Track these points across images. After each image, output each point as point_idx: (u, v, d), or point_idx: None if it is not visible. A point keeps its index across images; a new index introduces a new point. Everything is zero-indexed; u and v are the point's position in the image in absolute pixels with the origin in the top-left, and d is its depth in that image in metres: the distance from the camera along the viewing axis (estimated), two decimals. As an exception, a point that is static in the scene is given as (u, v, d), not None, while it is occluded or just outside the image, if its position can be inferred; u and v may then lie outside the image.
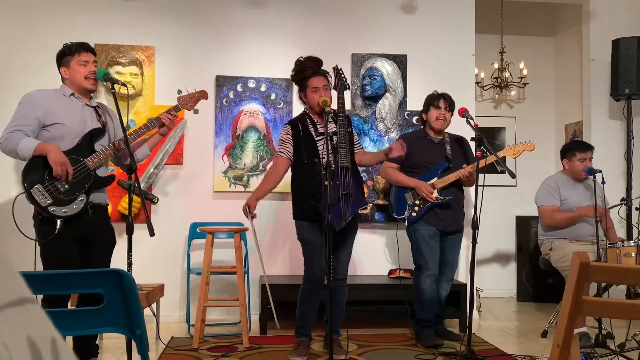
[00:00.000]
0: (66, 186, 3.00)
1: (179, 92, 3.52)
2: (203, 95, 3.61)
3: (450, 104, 4.17)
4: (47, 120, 3.04)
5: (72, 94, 3.15)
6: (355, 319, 4.44)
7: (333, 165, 3.39)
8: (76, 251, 3.06)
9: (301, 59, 3.69)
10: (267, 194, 3.77)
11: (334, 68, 3.73)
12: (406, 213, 4.14)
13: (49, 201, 2.96)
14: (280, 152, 3.68)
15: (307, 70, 3.62)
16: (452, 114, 4.19)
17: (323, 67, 3.69)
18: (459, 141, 4.29)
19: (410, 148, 4.17)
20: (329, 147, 3.36)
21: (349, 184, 3.50)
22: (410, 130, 5.06)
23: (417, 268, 4.17)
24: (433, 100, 4.18)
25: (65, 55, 3.14)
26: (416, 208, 4.12)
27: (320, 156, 3.57)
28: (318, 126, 3.64)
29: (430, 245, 4.09)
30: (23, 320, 0.43)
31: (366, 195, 5.05)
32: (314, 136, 3.62)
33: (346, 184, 3.49)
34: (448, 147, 4.19)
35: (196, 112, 3.58)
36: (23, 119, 3.01)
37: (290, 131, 3.65)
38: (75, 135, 3.08)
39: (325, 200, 3.26)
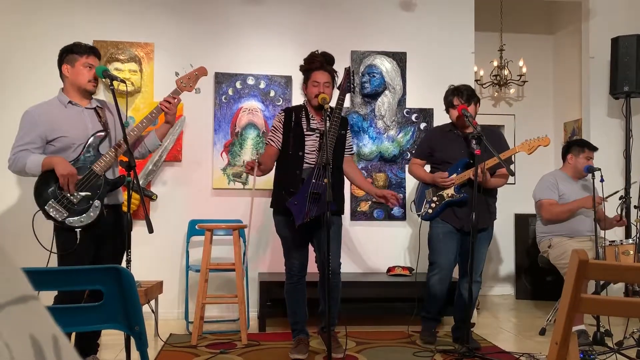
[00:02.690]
0: (78, 196, 3.00)
1: (177, 74, 3.40)
2: (202, 72, 3.45)
3: (467, 98, 3.90)
4: (50, 135, 3.04)
5: (70, 102, 3.12)
6: (354, 316, 4.45)
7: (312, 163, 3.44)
8: (92, 253, 3.09)
9: (316, 52, 3.70)
10: (265, 171, 3.70)
11: (346, 69, 3.72)
12: (423, 209, 4.03)
13: (65, 214, 2.97)
14: (271, 139, 3.67)
15: (314, 62, 3.62)
16: (475, 105, 3.94)
17: (334, 63, 3.70)
18: (488, 133, 3.90)
19: (434, 144, 4.08)
20: (327, 146, 3.36)
21: (323, 185, 3.46)
22: (411, 129, 5.07)
23: (429, 264, 4.08)
24: (449, 98, 3.96)
25: (72, 52, 3.10)
26: (433, 205, 3.98)
27: (306, 151, 3.57)
28: (311, 121, 3.63)
29: (443, 243, 3.94)
30: (25, 318, 0.43)
31: (362, 194, 5.06)
32: (304, 130, 3.61)
33: (319, 185, 3.47)
34: (474, 142, 3.86)
35: (198, 91, 3.46)
36: (26, 137, 3.02)
37: (283, 119, 3.65)
38: (79, 143, 3.08)
39: (323, 197, 3.28)
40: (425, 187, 4.07)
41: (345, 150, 3.75)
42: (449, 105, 3.99)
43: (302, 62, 3.71)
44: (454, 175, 3.91)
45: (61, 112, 3.10)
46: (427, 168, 4.21)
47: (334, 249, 3.61)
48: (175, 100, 3.29)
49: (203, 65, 3.52)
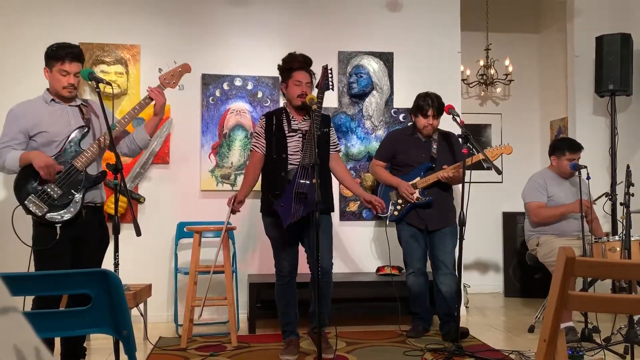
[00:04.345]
0: (59, 192, 2.99)
1: (160, 70, 3.45)
2: (185, 68, 3.47)
3: (438, 109, 4.11)
4: (31, 130, 3.05)
5: (53, 100, 3.13)
6: (344, 316, 4.46)
7: (300, 163, 3.44)
8: (69, 252, 3.06)
9: (294, 52, 3.71)
10: (251, 189, 3.77)
11: (323, 67, 3.73)
12: (389, 212, 4.20)
13: (45, 209, 2.97)
14: (255, 146, 3.69)
15: (295, 62, 3.63)
16: (440, 116, 4.16)
17: (312, 65, 3.71)
18: (447, 138, 4.26)
19: (396, 147, 4.25)
20: (313, 146, 3.35)
21: (307, 184, 3.48)
22: (398, 127, 5.08)
23: (405, 266, 4.35)
24: (422, 107, 4.11)
25: (50, 58, 3.10)
26: (398, 207, 4.19)
27: (289, 153, 3.57)
28: (292, 122, 3.64)
29: (410, 245, 4.19)
30: (7, 329, 0.43)
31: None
32: (286, 132, 3.62)
33: (304, 185, 3.48)
34: (434, 146, 4.19)
35: (181, 88, 3.51)
36: (8, 135, 3.04)
37: (265, 125, 3.66)
38: (61, 139, 3.08)
39: (312, 198, 3.28)
40: (389, 189, 4.24)
41: (330, 147, 3.76)
42: (419, 112, 4.14)
43: (280, 63, 3.72)
44: (418, 178, 4.13)
45: (44, 108, 3.11)
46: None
47: (325, 247, 3.62)
48: (162, 90, 3.31)
49: (187, 63, 3.51)
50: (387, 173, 4.28)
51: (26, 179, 2.98)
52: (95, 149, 3.12)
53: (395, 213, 4.19)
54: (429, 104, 4.10)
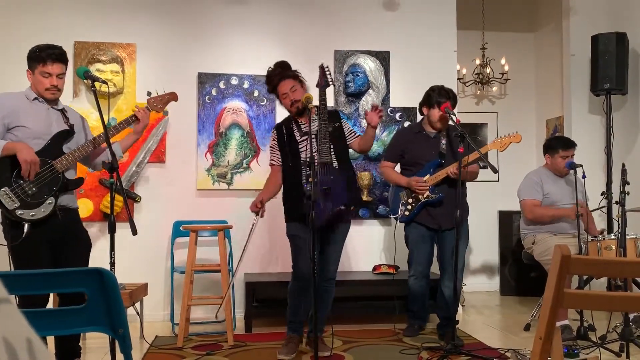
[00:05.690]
0: (34, 189, 2.93)
1: (149, 93, 3.50)
2: (173, 97, 3.55)
3: (453, 101, 4.06)
4: (11, 122, 2.97)
5: (36, 98, 3.07)
6: (340, 315, 4.45)
7: (317, 163, 3.41)
8: (47, 255, 2.99)
9: (269, 68, 3.70)
10: (273, 195, 3.76)
11: (320, 66, 3.74)
12: (399, 212, 4.12)
13: (16, 204, 2.89)
14: (272, 160, 3.74)
15: (274, 78, 3.64)
16: (453, 109, 4.07)
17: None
18: (449, 132, 4.15)
19: (405, 146, 4.18)
20: (312, 145, 3.35)
21: (328, 180, 3.48)
22: (395, 128, 5.08)
23: (408, 266, 4.26)
24: (440, 98, 4.01)
25: (32, 60, 3.06)
26: (409, 207, 4.08)
27: (302, 157, 3.58)
28: (302, 127, 3.65)
29: (417, 248, 4.11)
30: None
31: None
32: (298, 138, 3.64)
33: (325, 181, 3.47)
34: (443, 142, 4.08)
35: (166, 113, 3.59)
36: None
37: (276, 136, 3.71)
38: (40, 138, 3.01)
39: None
40: (399, 190, 4.15)
41: (349, 138, 3.75)
42: (437, 104, 4.02)
43: (267, 83, 3.72)
44: (428, 176, 4.03)
45: (26, 105, 3.04)
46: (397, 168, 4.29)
47: (336, 256, 3.69)
48: (148, 112, 3.35)
49: (175, 92, 3.58)
50: (396, 173, 4.20)
51: (3, 170, 2.90)
52: (77, 155, 3.07)
53: (406, 213, 4.08)
54: (445, 96, 4.02)
